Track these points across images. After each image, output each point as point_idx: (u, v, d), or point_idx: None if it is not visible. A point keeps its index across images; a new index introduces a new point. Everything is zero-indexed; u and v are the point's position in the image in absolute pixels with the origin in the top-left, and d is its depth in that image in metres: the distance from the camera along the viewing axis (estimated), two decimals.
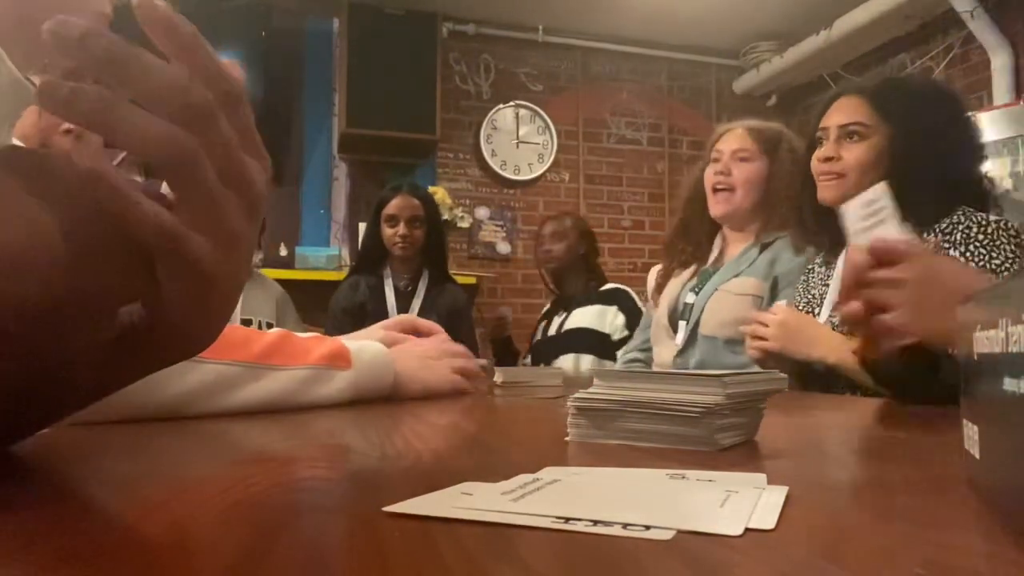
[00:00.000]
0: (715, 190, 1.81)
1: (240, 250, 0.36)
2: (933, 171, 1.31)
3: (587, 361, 2.59)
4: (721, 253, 1.89)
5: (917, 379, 0.88)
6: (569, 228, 2.86)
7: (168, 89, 0.33)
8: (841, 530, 0.29)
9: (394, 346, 0.94)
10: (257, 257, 3.58)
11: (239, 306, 2.37)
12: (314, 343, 0.82)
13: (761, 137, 1.81)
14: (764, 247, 1.78)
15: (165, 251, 0.33)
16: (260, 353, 0.74)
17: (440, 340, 1.03)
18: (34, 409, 0.39)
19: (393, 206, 2.54)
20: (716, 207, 1.81)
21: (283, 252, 3.77)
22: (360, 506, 0.33)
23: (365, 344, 0.88)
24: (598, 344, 2.59)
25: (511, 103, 4.26)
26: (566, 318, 2.73)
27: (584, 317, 2.68)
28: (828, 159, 1.40)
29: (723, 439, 0.48)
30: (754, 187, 1.78)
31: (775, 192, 1.76)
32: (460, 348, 1.02)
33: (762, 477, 0.36)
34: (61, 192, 0.32)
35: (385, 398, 0.87)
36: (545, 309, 2.98)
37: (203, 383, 0.67)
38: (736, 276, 1.77)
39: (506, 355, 3.01)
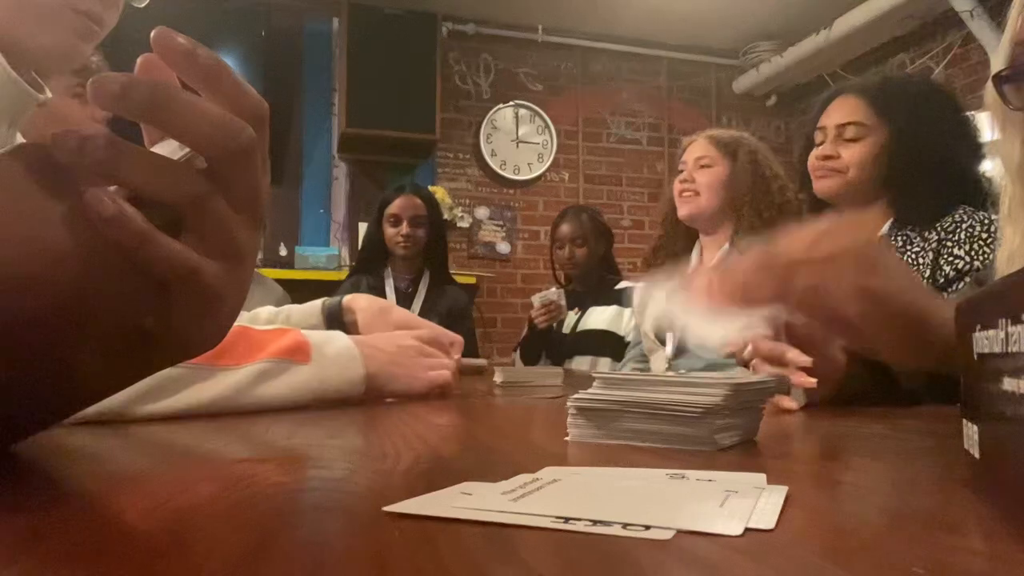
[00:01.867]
0: (681, 195, 1.92)
1: (246, 263, 0.36)
2: (932, 170, 1.31)
3: (604, 364, 2.57)
4: (700, 261, 1.96)
5: (878, 388, 0.84)
6: (588, 229, 2.75)
7: (216, 131, 0.33)
8: (841, 530, 0.29)
9: (364, 339, 0.85)
10: (257, 257, 3.58)
11: None
12: (272, 337, 0.75)
13: (720, 143, 1.93)
14: (741, 252, 1.83)
15: (180, 281, 0.33)
16: (209, 352, 0.68)
17: (414, 335, 0.93)
18: (35, 410, 0.39)
19: (396, 206, 2.54)
20: (682, 208, 1.92)
21: (283, 252, 3.77)
22: (360, 506, 0.33)
23: (330, 337, 0.81)
24: (615, 347, 2.56)
25: (511, 103, 4.27)
26: (581, 317, 2.69)
27: (601, 319, 2.65)
28: (827, 157, 1.40)
29: (723, 439, 0.48)
30: (716, 190, 1.88)
31: (738, 195, 1.86)
32: (445, 339, 0.94)
33: (762, 477, 0.36)
34: (76, 206, 0.31)
35: (354, 397, 0.80)
36: None
37: (141, 389, 0.61)
38: None
39: (538, 347, 2.73)
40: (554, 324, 2.68)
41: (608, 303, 2.67)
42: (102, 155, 0.31)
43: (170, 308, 0.35)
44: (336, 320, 1.09)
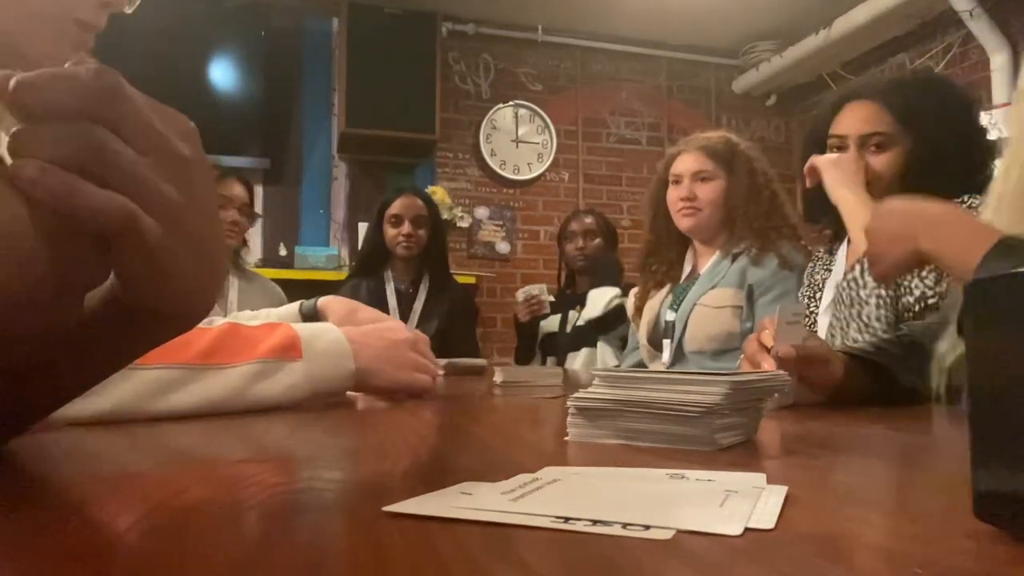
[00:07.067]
0: (681, 210, 1.89)
1: (187, 219, 0.36)
2: (952, 176, 1.28)
3: (605, 351, 2.57)
4: (694, 267, 1.96)
5: (881, 388, 0.89)
6: (602, 225, 2.81)
7: (68, 72, 0.33)
8: (841, 530, 0.29)
9: (353, 331, 0.86)
10: (254, 257, 3.58)
11: (235, 304, 2.35)
12: (263, 333, 0.77)
13: (715, 154, 1.89)
14: (734, 258, 1.86)
15: (120, 230, 0.33)
16: (201, 352, 0.69)
17: (401, 328, 0.95)
18: (34, 392, 0.39)
19: (397, 206, 2.55)
20: (684, 221, 1.89)
21: (282, 252, 3.76)
22: (360, 506, 0.33)
23: (319, 331, 0.82)
24: (611, 324, 2.57)
25: (510, 103, 4.26)
26: (581, 310, 2.70)
27: (591, 309, 2.67)
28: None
29: (723, 439, 0.48)
30: (719, 204, 1.87)
31: (736, 205, 1.85)
32: (424, 338, 0.96)
33: (762, 477, 0.36)
34: (5, 183, 0.32)
35: (345, 391, 0.83)
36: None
37: (137, 390, 0.63)
38: (712, 288, 1.84)
39: (529, 347, 2.80)
40: (540, 320, 2.75)
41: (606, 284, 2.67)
42: (57, 187, 0.31)
43: (121, 266, 0.35)
44: (312, 321, 1.11)
